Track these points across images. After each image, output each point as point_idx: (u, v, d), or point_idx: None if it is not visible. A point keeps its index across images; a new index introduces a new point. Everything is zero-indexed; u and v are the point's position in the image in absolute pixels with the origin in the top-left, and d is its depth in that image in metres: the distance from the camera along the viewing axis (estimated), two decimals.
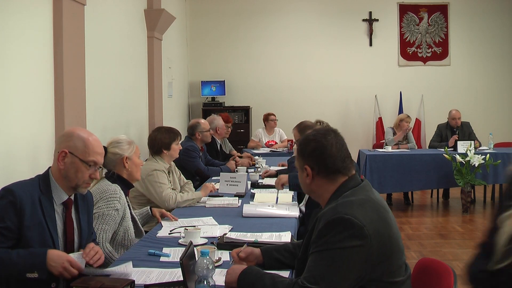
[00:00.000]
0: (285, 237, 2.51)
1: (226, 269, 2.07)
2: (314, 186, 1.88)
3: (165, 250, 2.40)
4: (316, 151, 1.85)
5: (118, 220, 2.69)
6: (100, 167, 2.20)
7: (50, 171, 2.15)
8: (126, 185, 2.91)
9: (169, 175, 3.86)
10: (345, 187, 1.83)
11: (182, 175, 4.21)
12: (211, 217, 3.08)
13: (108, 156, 2.89)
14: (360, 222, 1.66)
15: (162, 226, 2.93)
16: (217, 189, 3.97)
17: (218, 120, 5.87)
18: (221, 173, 4.18)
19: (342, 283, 1.64)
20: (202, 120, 5.37)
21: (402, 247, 1.77)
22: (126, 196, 2.90)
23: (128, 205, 2.91)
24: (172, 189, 3.75)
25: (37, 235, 2.00)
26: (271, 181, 4.46)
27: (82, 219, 2.22)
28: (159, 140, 3.85)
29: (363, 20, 9.21)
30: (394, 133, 7.20)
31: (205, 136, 5.24)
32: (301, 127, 4.90)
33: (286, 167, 4.89)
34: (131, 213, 2.92)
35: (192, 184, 4.19)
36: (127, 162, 2.88)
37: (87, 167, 2.13)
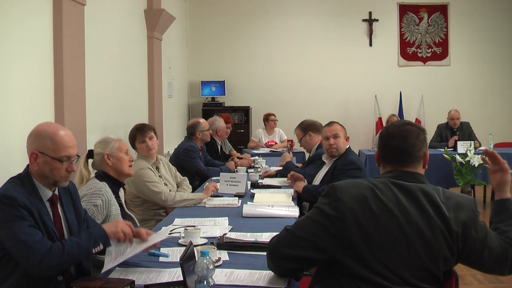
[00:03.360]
0: None
1: (226, 269, 2.08)
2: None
3: (165, 250, 2.40)
4: (379, 138, 1.97)
5: (97, 216, 2.67)
6: (77, 157, 2.18)
7: (30, 171, 2.12)
8: (115, 183, 2.89)
9: (157, 170, 3.84)
10: (380, 176, 1.89)
11: (177, 172, 4.20)
12: (227, 218, 3.07)
13: (94, 157, 2.91)
14: (340, 196, 1.75)
15: (161, 227, 2.93)
16: (217, 189, 3.97)
17: (219, 121, 5.86)
18: (221, 173, 4.17)
19: (304, 235, 1.78)
20: (201, 120, 5.35)
21: (395, 259, 1.69)
22: (118, 194, 2.90)
23: (120, 204, 2.90)
24: (164, 184, 3.74)
25: (44, 230, 2.00)
26: (271, 181, 4.47)
27: (68, 211, 2.20)
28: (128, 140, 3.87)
29: (363, 20, 9.22)
30: None
31: (205, 135, 5.23)
32: (303, 126, 4.92)
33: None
34: (124, 211, 2.92)
35: (188, 181, 4.20)
36: (109, 159, 2.87)
37: (60, 163, 2.09)
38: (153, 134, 3.80)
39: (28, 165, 2.14)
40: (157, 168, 3.86)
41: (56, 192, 2.18)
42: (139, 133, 3.77)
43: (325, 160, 4.00)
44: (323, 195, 1.82)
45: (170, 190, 3.67)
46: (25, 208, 1.95)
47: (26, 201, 1.98)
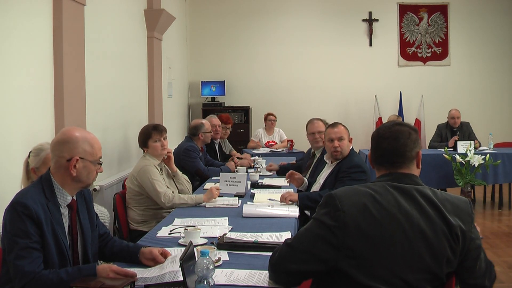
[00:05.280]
0: (285, 237, 2.50)
1: (226, 269, 2.08)
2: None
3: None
4: (370, 140, 1.94)
5: None
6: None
7: (52, 176, 2.11)
8: None
9: (161, 172, 3.85)
10: (377, 180, 1.85)
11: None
12: (227, 218, 3.08)
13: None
14: (340, 205, 1.71)
15: (162, 227, 2.93)
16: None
17: (209, 119, 5.77)
18: (221, 173, 4.17)
19: (305, 249, 1.74)
20: (204, 121, 5.34)
21: (400, 262, 1.68)
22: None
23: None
24: (166, 187, 3.75)
25: (53, 242, 2.01)
26: (271, 181, 4.47)
27: (83, 217, 2.21)
28: (138, 138, 3.90)
29: (363, 20, 9.22)
30: None
31: (207, 137, 5.24)
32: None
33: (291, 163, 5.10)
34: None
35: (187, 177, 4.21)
36: (35, 173, 2.62)
37: (97, 165, 2.15)
38: (166, 136, 3.88)
39: (49, 170, 2.13)
40: (161, 170, 3.87)
41: (75, 197, 2.18)
42: (155, 132, 3.81)
43: (326, 160, 3.94)
44: (321, 205, 1.79)
45: (172, 192, 3.68)
46: (35, 219, 1.95)
47: (39, 210, 1.97)
